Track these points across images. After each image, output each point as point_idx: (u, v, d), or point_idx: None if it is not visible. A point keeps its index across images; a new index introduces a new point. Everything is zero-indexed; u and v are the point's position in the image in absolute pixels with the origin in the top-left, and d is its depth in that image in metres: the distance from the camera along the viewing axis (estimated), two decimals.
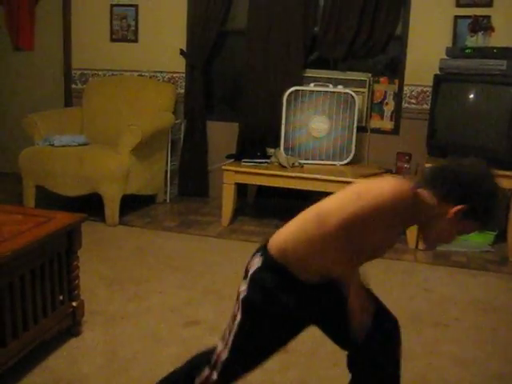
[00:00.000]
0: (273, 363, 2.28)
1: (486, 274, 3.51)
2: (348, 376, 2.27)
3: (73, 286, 2.43)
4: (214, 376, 1.59)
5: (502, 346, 2.60)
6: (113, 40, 5.05)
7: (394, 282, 3.31)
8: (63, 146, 4.28)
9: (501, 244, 3.92)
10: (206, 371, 1.60)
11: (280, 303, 1.52)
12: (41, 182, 4.25)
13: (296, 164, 4.11)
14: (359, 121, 4.36)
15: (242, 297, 1.54)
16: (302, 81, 4.46)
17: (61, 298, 2.37)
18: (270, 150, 4.31)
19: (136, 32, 4.97)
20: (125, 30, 4.99)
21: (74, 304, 2.44)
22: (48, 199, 4.34)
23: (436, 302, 3.04)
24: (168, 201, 4.80)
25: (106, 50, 5.08)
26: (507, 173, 3.60)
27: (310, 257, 1.49)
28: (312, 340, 2.53)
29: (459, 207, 1.45)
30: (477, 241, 3.99)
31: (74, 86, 5.24)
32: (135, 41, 4.99)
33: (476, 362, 2.43)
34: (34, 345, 2.20)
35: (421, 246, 3.82)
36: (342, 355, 2.42)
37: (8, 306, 2.03)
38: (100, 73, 5.12)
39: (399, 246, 3.88)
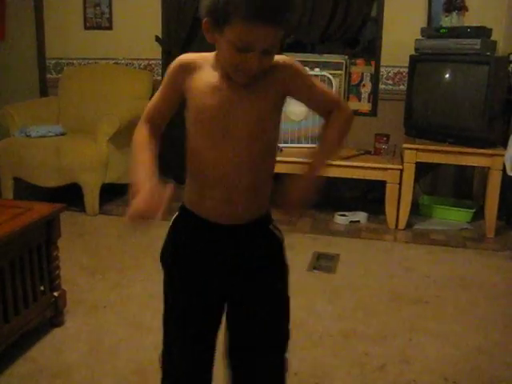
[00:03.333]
0: None
1: (464, 251, 3.56)
2: (329, 356, 2.31)
3: (54, 276, 2.43)
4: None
5: (481, 320, 2.65)
6: (87, 28, 4.97)
7: (375, 261, 3.35)
8: (40, 136, 4.23)
9: (479, 221, 3.98)
10: None
11: None
12: (19, 174, 4.20)
13: None
14: None
15: None
16: None
17: (42, 288, 2.37)
18: None
19: (110, 19, 4.91)
20: (98, 18, 4.92)
21: (56, 294, 2.44)
22: (27, 191, 4.30)
23: (416, 280, 3.09)
24: None
25: (80, 38, 5.01)
26: (483, 151, 3.66)
27: None
28: (292, 321, 2.57)
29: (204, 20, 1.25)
30: (455, 219, 4.05)
31: (48, 75, 5.17)
32: (109, 28, 4.92)
33: (455, 337, 2.48)
34: (16, 336, 2.20)
35: (400, 225, 3.87)
36: (322, 335, 2.47)
37: None
38: (75, 62, 5.06)
39: (379, 227, 3.93)
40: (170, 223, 1.44)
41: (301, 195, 1.34)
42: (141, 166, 1.32)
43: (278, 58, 1.31)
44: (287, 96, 1.34)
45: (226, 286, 1.41)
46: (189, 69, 1.33)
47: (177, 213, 1.43)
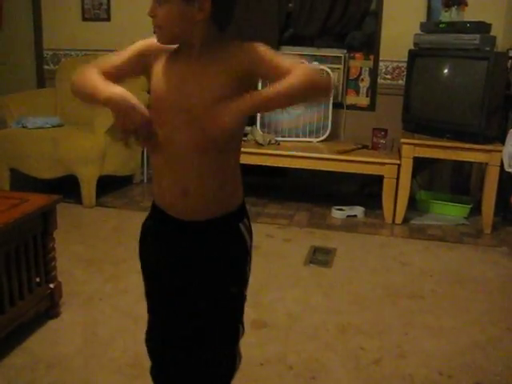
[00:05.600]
0: (251, 338, 2.32)
1: (461, 246, 3.56)
2: (325, 350, 2.31)
3: (49, 267, 2.42)
4: None
5: (477, 315, 2.66)
6: (84, 19, 4.95)
7: (371, 256, 3.35)
8: (37, 128, 4.22)
9: (476, 217, 3.98)
10: None
11: None
12: (15, 165, 4.19)
13: (272, 141, 4.10)
14: (335, 97, 4.37)
15: None
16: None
17: (37, 280, 2.36)
18: (246, 128, 4.30)
19: (108, 10, 4.88)
20: (96, 9, 4.90)
21: (52, 286, 2.43)
22: (23, 182, 4.28)
23: (412, 275, 3.09)
24: (145, 181, 4.78)
25: (77, 29, 4.98)
26: (481, 146, 3.66)
27: None
28: (288, 315, 2.57)
29: None
30: (452, 214, 4.05)
31: (46, 66, 5.15)
32: (107, 19, 4.90)
33: (451, 332, 2.48)
34: (11, 327, 2.19)
35: (397, 220, 3.87)
36: (317, 329, 2.47)
37: None
38: (72, 53, 5.03)
39: (376, 222, 3.93)
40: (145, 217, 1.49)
41: (227, 111, 1.19)
42: (99, 81, 1.30)
43: (238, 42, 1.29)
44: (250, 78, 1.28)
45: (185, 280, 1.44)
46: (159, 51, 1.34)
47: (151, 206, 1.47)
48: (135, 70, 1.39)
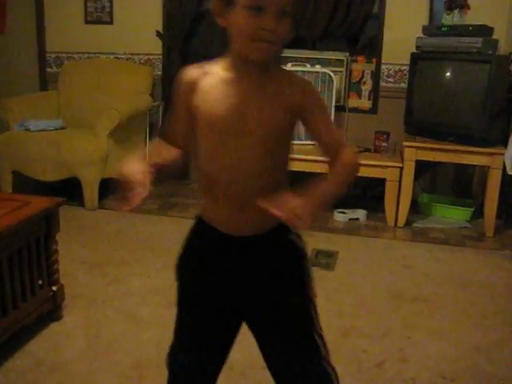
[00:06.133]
0: (254, 341, 2.31)
1: (463, 249, 3.56)
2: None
3: (52, 270, 2.42)
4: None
5: (479, 319, 2.65)
6: (87, 22, 4.96)
7: (374, 259, 3.35)
8: (40, 130, 4.22)
9: (478, 220, 3.98)
10: None
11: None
12: (18, 168, 4.20)
13: None
14: (337, 100, 4.36)
15: None
16: (279, 61, 4.43)
17: (40, 282, 2.36)
18: None
19: (111, 13, 4.89)
20: (99, 12, 4.91)
21: (54, 288, 2.43)
22: (26, 185, 4.29)
23: (415, 278, 3.09)
24: None
25: (80, 32, 4.99)
26: (483, 149, 3.66)
27: None
28: None
29: None
30: (455, 217, 4.05)
31: (49, 69, 5.15)
32: (110, 22, 4.90)
33: (454, 335, 2.48)
34: (14, 330, 2.19)
35: (400, 223, 3.87)
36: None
37: None
38: (75, 56, 5.04)
39: (379, 225, 3.92)
40: (188, 233, 1.41)
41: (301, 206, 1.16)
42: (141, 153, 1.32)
43: (297, 76, 1.33)
44: (299, 116, 1.29)
45: (241, 302, 1.36)
46: (193, 83, 1.30)
47: (194, 222, 1.39)
48: (189, 117, 1.34)
